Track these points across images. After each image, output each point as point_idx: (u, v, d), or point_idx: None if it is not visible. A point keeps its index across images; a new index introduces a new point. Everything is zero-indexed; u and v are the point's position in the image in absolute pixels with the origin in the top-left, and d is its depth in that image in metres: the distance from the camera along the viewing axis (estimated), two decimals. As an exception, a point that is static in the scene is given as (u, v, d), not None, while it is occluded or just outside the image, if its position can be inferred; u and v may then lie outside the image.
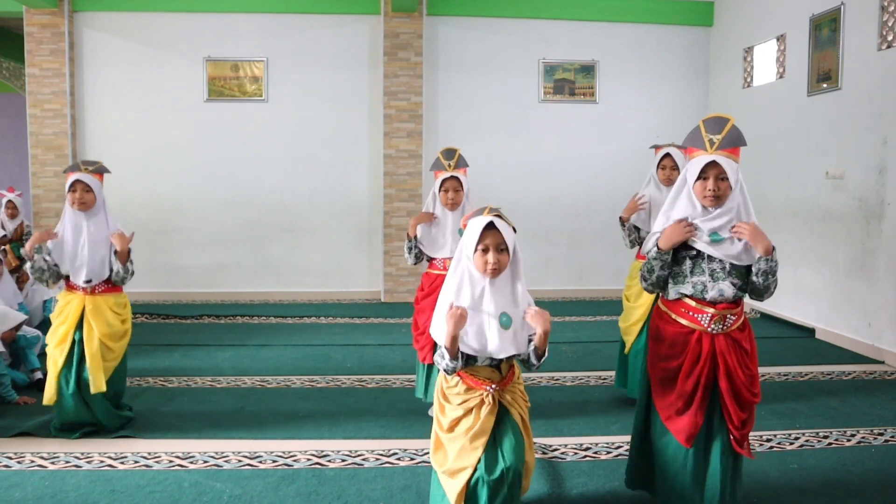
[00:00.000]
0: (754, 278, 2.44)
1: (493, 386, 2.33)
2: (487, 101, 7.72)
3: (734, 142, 2.40)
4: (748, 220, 2.46)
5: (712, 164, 2.39)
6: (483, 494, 2.25)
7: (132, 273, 3.58)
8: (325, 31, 7.56)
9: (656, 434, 2.61)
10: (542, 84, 7.81)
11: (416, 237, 3.76)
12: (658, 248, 2.49)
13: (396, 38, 7.39)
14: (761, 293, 2.47)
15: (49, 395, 3.52)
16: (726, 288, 2.45)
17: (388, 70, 7.40)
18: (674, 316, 2.55)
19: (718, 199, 2.41)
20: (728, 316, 2.48)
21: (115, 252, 3.51)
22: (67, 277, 3.56)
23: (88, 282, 3.51)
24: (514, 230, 2.33)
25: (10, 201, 7.00)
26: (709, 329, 2.48)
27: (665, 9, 7.82)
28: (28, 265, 3.50)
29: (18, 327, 4.35)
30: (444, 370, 2.29)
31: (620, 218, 4.02)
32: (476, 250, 2.27)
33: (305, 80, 7.56)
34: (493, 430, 2.32)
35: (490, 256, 2.25)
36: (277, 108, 7.58)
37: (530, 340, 2.33)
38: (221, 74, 7.53)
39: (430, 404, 3.55)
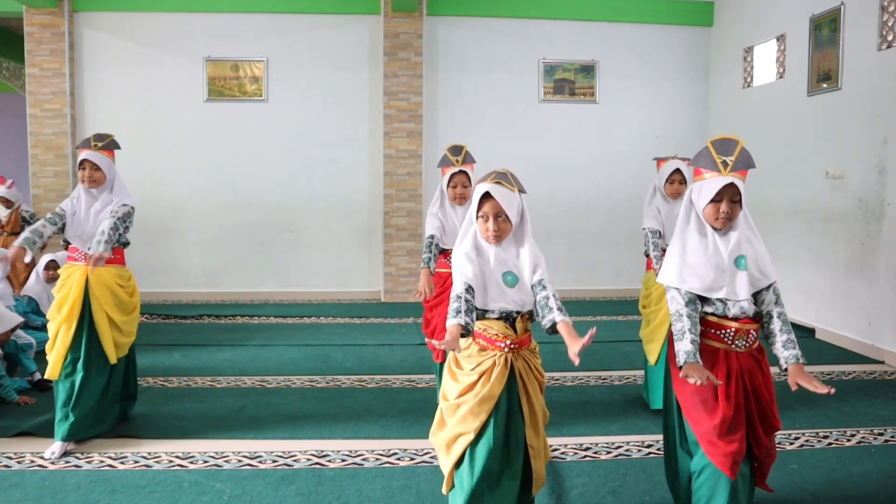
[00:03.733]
0: (772, 327, 2.39)
1: (508, 343, 2.26)
2: (487, 102, 7.72)
3: (746, 164, 2.35)
4: (755, 235, 2.42)
5: (728, 187, 2.32)
6: (479, 465, 2.17)
7: (123, 240, 3.57)
8: (325, 31, 7.56)
9: (696, 461, 2.44)
10: (542, 84, 7.81)
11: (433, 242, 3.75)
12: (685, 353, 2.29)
13: (396, 38, 7.39)
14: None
15: (53, 370, 3.43)
16: (746, 304, 2.37)
17: (388, 70, 7.40)
18: None
19: (730, 220, 2.36)
20: (751, 332, 2.40)
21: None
22: (67, 244, 3.53)
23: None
24: (524, 192, 2.32)
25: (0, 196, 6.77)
26: (733, 346, 2.40)
27: (665, 9, 7.82)
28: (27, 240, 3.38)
29: (12, 331, 4.28)
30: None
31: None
32: (478, 217, 2.31)
33: (305, 80, 7.56)
34: (507, 405, 2.24)
35: (490, 224, 2.27)
36: (277, 108, 7.58)
37: (554, 325, 2.28)
38: (221, 74, 7.53)
39: (431, 387, 3.54)
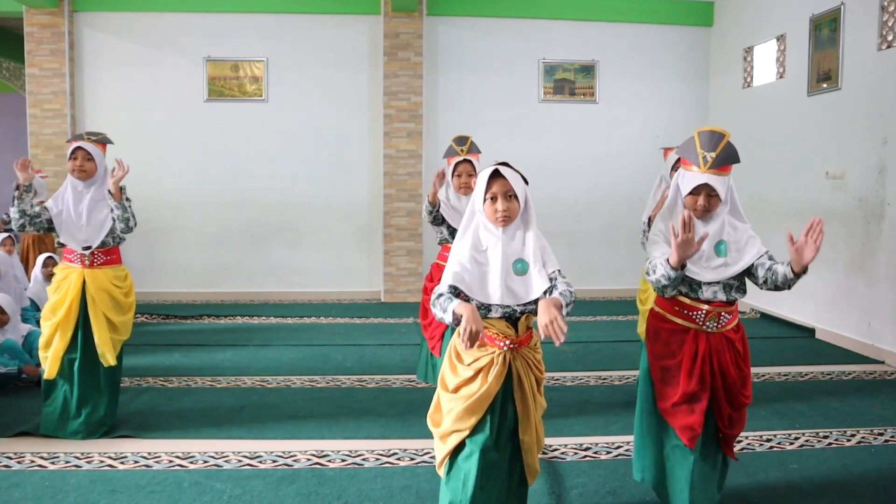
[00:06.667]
0: (780, 283, 2.45)
1: (507, 342, 2.24)
2: (487, 102, 7.72)
3: (729, 160, 2.41)
4: (741, 222, 2.50)
5: (704, 185, 2.41)
6: (473, 465, 2.18)
7: (132, 218, 3.44)
8: (325, 31, 7.56)
9: (664, 433, 2.58)
10: (542, 84, 7.81)
11: (439, 204, 3.74)
12: (671, 267, 2.35)
13: (396, 38, 7.39)
14: (780, 290, 2.48)
15: (51, 370, 3.43)
16: (720, 290, 2.48)
17: (388, 70, 7.40)
18: (669, 316, 2.55)
19: (708, 212, 2.46)
20: (723, 314, 2.49)
21: (110, 192, 3.38)
22: (62, 245, 3.49)
23: (87, 248, 3.44)
24: (526, 182, 2.30)
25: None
26: (704, 327, 2.49)
27: (665, 9, 7.82)
28: (13, 209, 3.38)
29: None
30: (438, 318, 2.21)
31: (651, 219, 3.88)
32: (485, 200, 2.26)
33: (305, 80, 7.56)
34: (501, 400, 2.24)
35: (499, 204, 2.22)
36: (277, 108, 7.58)
37: (553, 283, 2.25)
38: (221, 74, 7.53)
39: (431, 387, 3.56)
